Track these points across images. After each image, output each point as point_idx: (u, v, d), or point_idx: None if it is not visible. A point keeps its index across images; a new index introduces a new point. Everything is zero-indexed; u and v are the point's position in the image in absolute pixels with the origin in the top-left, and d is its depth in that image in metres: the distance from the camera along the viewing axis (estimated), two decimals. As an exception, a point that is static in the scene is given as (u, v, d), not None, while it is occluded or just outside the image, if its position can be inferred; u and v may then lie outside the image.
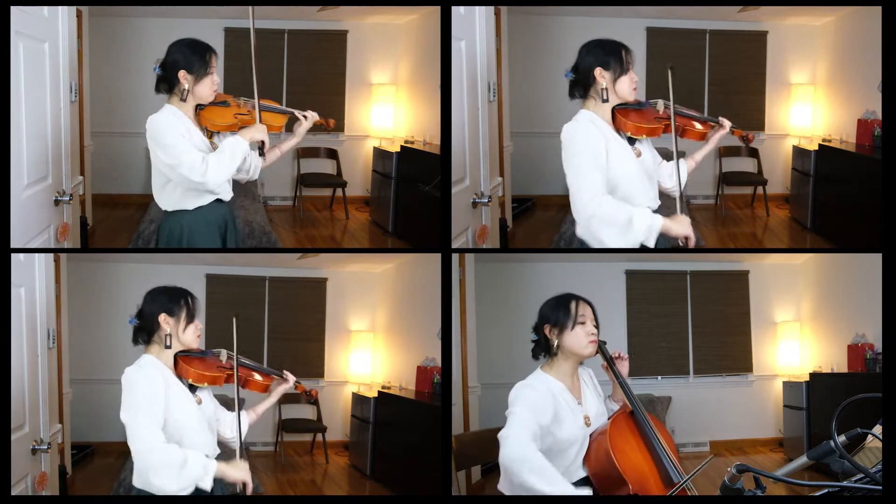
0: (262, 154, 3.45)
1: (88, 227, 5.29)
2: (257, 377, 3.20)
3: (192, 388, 3.04)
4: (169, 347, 3.00)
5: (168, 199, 3.37)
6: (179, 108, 3.31)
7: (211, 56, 3.32)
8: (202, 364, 3.05)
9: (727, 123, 3.32)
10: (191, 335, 3.04)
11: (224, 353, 3.14)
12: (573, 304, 3.02)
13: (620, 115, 3.18)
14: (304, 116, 3.49)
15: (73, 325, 5.57)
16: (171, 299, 3.03)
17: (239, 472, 2.98)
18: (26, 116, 3.61)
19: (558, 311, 3.02)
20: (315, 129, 3.59)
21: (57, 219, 4.05)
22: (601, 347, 3.09)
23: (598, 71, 3.16)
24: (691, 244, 3.17)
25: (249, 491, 2.99)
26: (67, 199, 4.10)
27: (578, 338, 2.99)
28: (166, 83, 3.32)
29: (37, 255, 4.12)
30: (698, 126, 3.29)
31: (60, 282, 4.86)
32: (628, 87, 3.19)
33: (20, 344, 3.92)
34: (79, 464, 5.86)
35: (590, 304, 3.06)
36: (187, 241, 3.37)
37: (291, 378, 3.24)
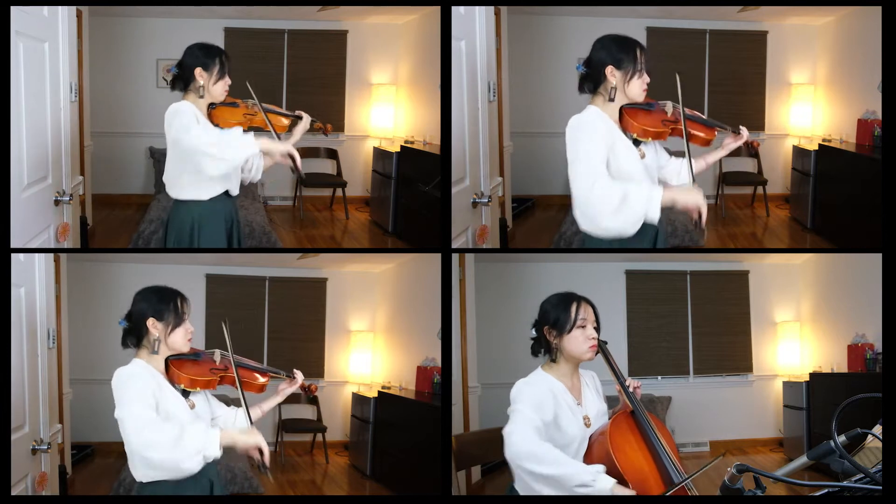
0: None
1: (88, 227, 5.29)
2: (257, 377, 3.08)
3: (186, 394, 2.93)
4: (156, 353, 2.91)
5: (182, 188, 3.46)
6: (195, 104, 3.46)
7: (225, 59, 3.48)
8: (195, 368, 2.94)
9: (745, 133, 3.26)
10: (180, 339, 2.93)
11: (218, 354, 3.03)
12: (574, 306, 2.98)
13: (628, 115, 3.13)
14: (300, 116, 3.62)
15: (73, 325, 5.57)
16: (159, 301, 2.93)
17: (252, 437, 2.85)
18: (26, 116, 3.61)
19: (558, 311, 2.98)
20: (314, 129, 3.71)
21: (57, 219, 4.05)
22: (602, 348, 3.07)
23: (609, 69, 3.10)
24: (704, 216, 3.03)
25: (267, 455, 2.86)
26: (67, 199, 4.10)
27: (577, 342, 2.97)
28: (182, 82, 3.47)
29: (37, 255, 4.11)
30: (702, 134, 3.22)
31: (60, 282, 4.86)
32: (639, 88, 3.14)
33: (20, 344, 3.91)
34: (79, 464, 5.86)
35: (592, 305, 3.02)
36: (197, 232, 3.46)
37: (300, 378, 3.17)
